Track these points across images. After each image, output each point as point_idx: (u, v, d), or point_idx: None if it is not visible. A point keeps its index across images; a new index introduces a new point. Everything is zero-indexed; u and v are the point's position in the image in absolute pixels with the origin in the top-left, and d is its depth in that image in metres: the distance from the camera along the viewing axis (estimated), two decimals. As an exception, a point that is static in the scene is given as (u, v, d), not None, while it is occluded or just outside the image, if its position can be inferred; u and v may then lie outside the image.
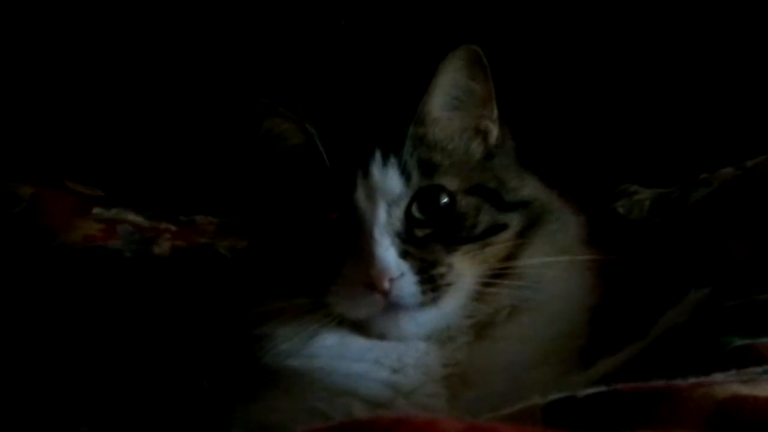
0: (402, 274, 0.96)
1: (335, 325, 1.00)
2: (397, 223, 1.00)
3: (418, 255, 0.98)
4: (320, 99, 1.57)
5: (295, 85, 1.86)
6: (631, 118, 1.91)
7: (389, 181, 1.01)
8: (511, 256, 1.04)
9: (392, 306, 0.96)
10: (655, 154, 1.85)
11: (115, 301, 1.24)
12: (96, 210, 1.75)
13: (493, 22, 1.94)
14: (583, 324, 1.06)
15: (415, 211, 1.01)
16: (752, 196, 1.20)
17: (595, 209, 1.35)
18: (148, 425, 1.02)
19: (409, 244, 0.98)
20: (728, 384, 0.66)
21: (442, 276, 0.98)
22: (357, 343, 1.01)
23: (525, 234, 1.05)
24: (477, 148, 1.11)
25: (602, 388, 0.69)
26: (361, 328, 1.01)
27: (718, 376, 0.71)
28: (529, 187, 1.11)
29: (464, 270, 1.00)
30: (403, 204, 1.01)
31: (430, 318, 0.99)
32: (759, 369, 0.73)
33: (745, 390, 0.65)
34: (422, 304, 0.97)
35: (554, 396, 0.69)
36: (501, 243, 1.03)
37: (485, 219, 1.03)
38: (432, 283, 0.97)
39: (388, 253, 0.96)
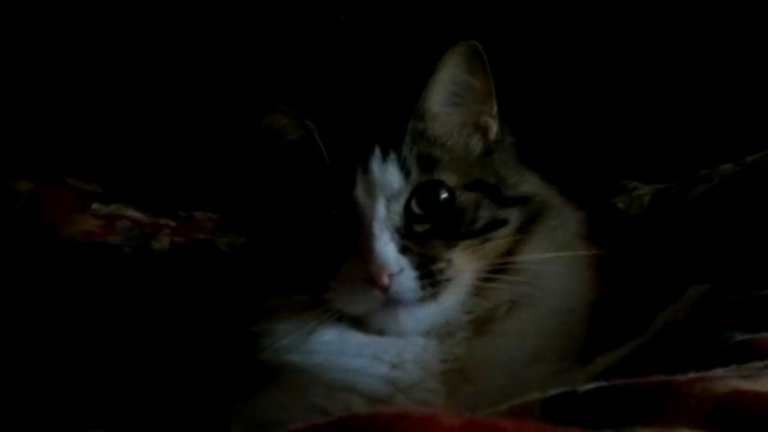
0: (401, 270, 0.96)
1: (334, 321, 1.00)
2: (397, 219, 0.99)
3: (417, 250, 0.98)
4: (320, 95, 1.57)
5: (294, 80, 1.86)
6: (630, 113, 1.91)
7: (389, 176, 1.00)
8: (510, 251, 1.04)
9: (391, 301, 0.96)
10: (654, 150, 1.85)
11: (114, 296, 1.24)
12: (95, 206, 1.75)
13: (493, 18, 1.94)
14: (582, 319, 1.06)
15: (415, 207, 1.01)
16: (752, 192, 1.20)
17: (595, 205, 1.35)
18: (147, 421, 1.02)
19: (409, 239, 0.98)
20: (728, 379, 0.66)
21: (441, 271, 0.98)
22: (356, 338, 1.01)
23: (524, 229, 1.05)
24: (476, 144, 1.11)
25: (602, 383, 0.68)
26: (360, 323, 1.01)
27: (718, 372, 0.71)
28: (528, 183, 1.11)
29: (464, 265, 1.00)
30: (403, 199, 1.01)
31: (429, 313, 0.99)
32: (760, 364, 0.72)
33: (745, 385, 0.65)
34: (421, 300, 0.97)
35: (554, 391, 0.69)
36: (500, 238, 1.03)
37: (485, 214, 1.03)
38: (431, 279, 0.97)
39: (387, 248, 0.96)
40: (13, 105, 2.05)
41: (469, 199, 1.04)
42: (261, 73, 1.90)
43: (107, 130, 2.08)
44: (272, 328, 1.02)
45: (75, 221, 1.67)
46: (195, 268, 1.37)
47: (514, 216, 1.05)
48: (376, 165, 1.01)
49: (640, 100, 1.91)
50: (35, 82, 2.09)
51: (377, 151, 1.02)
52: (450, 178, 1.04)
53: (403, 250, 0.97)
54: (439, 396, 0.96)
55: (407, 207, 1.01)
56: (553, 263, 1.04)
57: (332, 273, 0.99)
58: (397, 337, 1.00)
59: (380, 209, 0.99)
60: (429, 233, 1.00)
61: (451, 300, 0.99)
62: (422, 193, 1.02)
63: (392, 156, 1.02)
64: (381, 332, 1.00)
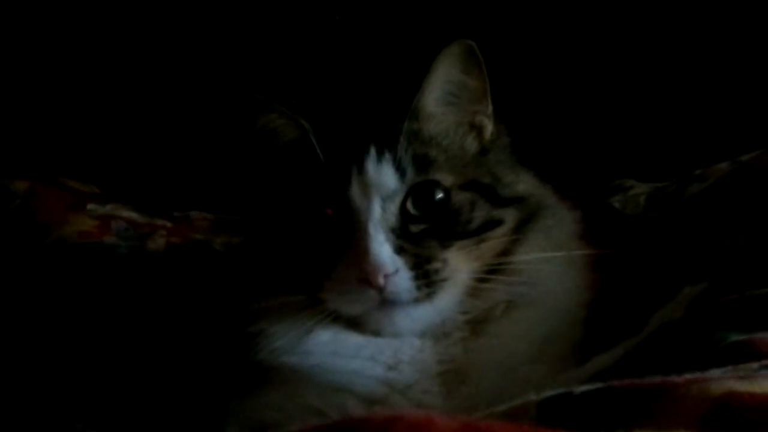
0: (397, 270, 0.95)
1: (330, 322, 1.00)
2: (392, 219, 0.99)
3: (412, 250, 0.97)
4: (315, 94, 1.57)
5: (290, 80, 1.86)
6: (626, 113, 1.91)
7: (384, 176, 1.00)
8: (506, 251, 1.03)
9: (387, 302, 0.96)
10: (650, 149, 1.85)
11: (110, 297, 1.23)
12: (91, 206, 1.75)
13: (489, 17, 1.94)
14: (578, 319, 1.06)
15: (410, 207, 1.01)
16: (747, 191, 1.20)
17: (591, 204, 1.35)
18: (142, 421, 1.02)
19: (404, 239, 0.98)
20: (724, 380, 0.66)
21: (437, 271, 0.98)
22: (352, 339, 1.00)
23: (520, 229, 1.05)
24: (472, 144, 1.10)
25: (598, 385, 0.68)
26: (356, 324, 1.00)
27: (714, 372, 0.71)
28: (524, 183, 1.11)
29: (459, 265, 1.00)
30: (398, 199, 1.00)
31: (425, 314, 0.99)
32: (755, 365, 0.72)
33: (741, 386, 0.65)
34: (417, 300, 0.97)
35: (549, 392, 0.69)
36: (496, 238, 1.03)
37: (480, 214, 1.03)
38: (427, 279, 0.97)
39: (382, 248, 0.96)
40: (9, 105, 2.05)
41: (464, 199, 1.03)
42: (256, 73, 1.91)
43: (103, 130, 2.09)
44: (268, 328, 1.01)
45: (71, 221, 1.67)
46: (191, 269, 1.36)
47: (509, 216, 1.05)
48: (371, 165, 1.01)
49: (636, 100, 1.91)
50: (31, 83, 2.09)
51: (372, 151, 1.01)
52: (445, 178, 1.03)
53: (399, 250, 0.97)
54: (435, 397, 0.96)
55: (403, 207, 1.00)
56: (549, 263, 1.03)
57: (328, 273, 0.99)
58: (392, 337, 1.00)
59: (376, 209, 0.99)
60: (424, 233, 1.00)
61: (447, 300, 0.99)
62: (418, 193, 1.01)
63: (387, 156, 1.01)
64: (377, 333, 1.00)
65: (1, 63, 2.05)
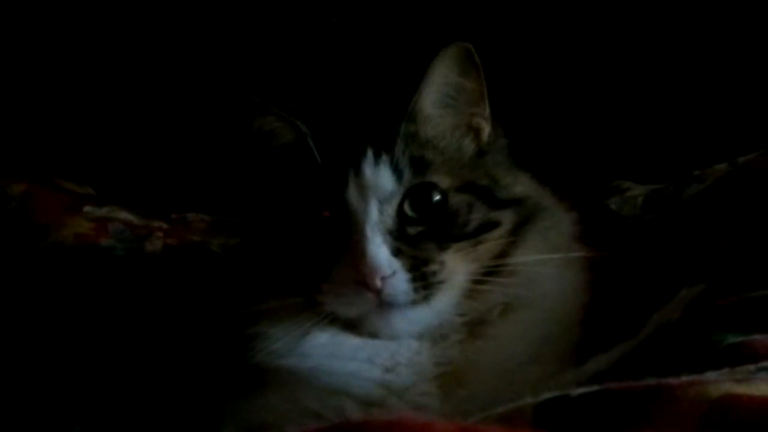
0: (394, 272, 0.95)
1: (327, 324, 1.00)
2: (389, 221, 0.99)
3: (410, 253, 0.97)
4: (312, 97, 1.57)
5: (286, 82, 1.86)
6: (623, 114, 1.91)
7: (381, 178, 1.00)
8: (503, 253, 1.03)
9: (384, 304, 0.96)
10: (647, 151, 1.85)
11: (107, 299, 1.23)
12: (87, 208, 1.75)
13: (486, 19, 1.94)
14: (575, 321, 1.06)
15: (407, 209, 1.01)
16: (745, 193, 1.20)
17: (588, 206, 1.35)
18: (139, 424, 1.02)
19: (401, 241, 0.98)
20: (722, 383, 0.66)
21: (434, 274, 0.97)
22: (349, 341, 1.00)
23: (518, 231, 1.05)
24: (469, 146, 1.10)
25: (595, 387, 0.68)
26: (353, 326, 1.00)
27: (711, 375, 0.70)
28: (521, 185, 1.11)
29: (457, 268, 1.00)
30: (395, 202, 1.00)
31: (422, 316, 0.99)
32: (752, 367, 0.72)
33: (738, 389, 0.65)
34: (414, 302, 0.97)
35: (546, 395, 0.69)
36: (494, 240, 1.03)
37: (477, 216, 1.03)
38: (424, 281, 0.97)
39: (380, 250, 0.96)
40: (5, 107, 2.05)
41: (461, 201, 1.03)
42: (253, 75, 1.90)
43: (100, 132, 2.08)
44: (265, 331, 1.01)
45: (67, 223, 1.67)
46: (188, 271, 1.36)
47: (507, 218, 1.05)
48: (368, 167, 1.01)
49: (633, 101, 1.91)
50: (28, 85, 2.09)
51: (369, 154, 1.01)
52: (442, 180, 1.03)
53: (396, 252, 0.97)
54: (432, 399, 0.96)
55: (400, 209, 1.00)
56: (547, 265, 1.03)
57: (325, 275, 0.99)
58: (390, 340, 1.00)
59: (373, 211, 0.99)
60: (422, 235, 1.00)
61: (444, 302, 0.99)
62: (415, 195, 1.01)
63: (384, 158, 1.01)
64: (374, 335, 1.00)
65: (-4, 65, 2.06)
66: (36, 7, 2.08)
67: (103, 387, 1.08)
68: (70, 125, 2.08)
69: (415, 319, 0.99)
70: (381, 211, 0.99)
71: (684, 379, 0.68)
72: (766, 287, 0.90)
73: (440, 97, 1.08)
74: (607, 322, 1.03)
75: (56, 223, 1.66)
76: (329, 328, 1.00)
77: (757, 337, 0.80)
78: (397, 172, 1.01)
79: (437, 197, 1.02)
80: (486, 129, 1.11)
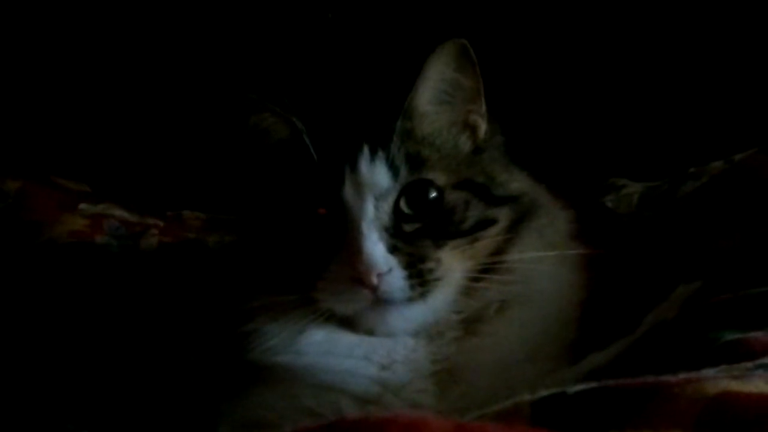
0: (390, 269, 0.95)
1: (323, 321, 1.00)
2: (385, 218, 0.99)
3: (406, 250, 0.97)
4: (308, 93, 1.57)
5: (282, 79, 1.85)
6: (619, 112, 1.91)
7: (377, 175, 1.00)
8: (500, 250, 1.03)
9: (380, 301, 0.96)
10: (643, 148, 1.85)
11: (102, 296, 1.23)
12: (82, 205, 1.75)
13: (482, 16, 1.94)
14: (572, 319, 1.06)
15: (404, 206, 1.00)
16: (741, 190, 1.20)
17: (584, 203, 1.35)
18: (134, 421, 1.02)
19: (398, 238, 0.98)
20: (719, 380, 0.66)
21: (430, 271, 0.97)
22: (345, 339, 1.00)
23: (514, 229, 1.05)
24: (465, 143, 1.10)
25: (592, 385, 0.68)
26: (349, 323, 1.00)
27: (708, 372, 0.70)
28: (518, 182, 1.11)
29: (453, 265, 1.00)
30: (391, 199, 1.00)
31: (418, 313, 0.99)
32: (750, 364, 0.72)
33: (736, 386, 0.64)
34: (410, 299, 0.97)
35: (543, 392, 0.69)
36: (490, 238, 1.03)
37: (474, 214, 1.03)
38: (420, 278, 0.97)
39: (376, 247, 0.96)
40: (0, 105, 2.04)
41: (458, 198, 1.03)
42: (249, 72, 1.90)
43: (95, 129, 2.08)
44: (261, 328, 1.01)
45: (62, 221, 1.66)
46: (183, 268, 1.36)
47: (503, 215, 1.05)
48: (364, 164, 1.00)
49: (629, 98, 1.91)
50: (23, 82, 2.08)
51: (366, 150, 1.01)
52: (439, 178, 1.03)
53: (392, 249, 0.96)
54: (429, 396, 0.96)
55: (396, 206, 1.00)
56: (543, 262, 1.03)
57: (321, 272, 0.99)
58: (386, 337, 1.00)
59: (369, 208, 0.98)
60: (418, 233, 1.00)
61: (440, 300, 0.99)
62: (411, 192, 1.01)
63: (381, 155, 1.01)
64: (370, 332, 1.00)
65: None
66: (32, 6, 2.08)
67: (99, 384, 1.08)
68: (65, 122, 2.08)
69: (412, 316, 0.99)
70: (377, 208, 0.99)
71: (681, 376, 0.68)
72: (762, 284, 0.91)
73: (436, 94, 1.08)
74: (604, 319, 1.03)
75: (51, 221, 1.66)
76: (325, 326, 1.00)
77: (755, 334, 0.80)
78: (393, 169, 1.01)
79: (433, 194, 1.02)
80: (482, 126, 1.11)
